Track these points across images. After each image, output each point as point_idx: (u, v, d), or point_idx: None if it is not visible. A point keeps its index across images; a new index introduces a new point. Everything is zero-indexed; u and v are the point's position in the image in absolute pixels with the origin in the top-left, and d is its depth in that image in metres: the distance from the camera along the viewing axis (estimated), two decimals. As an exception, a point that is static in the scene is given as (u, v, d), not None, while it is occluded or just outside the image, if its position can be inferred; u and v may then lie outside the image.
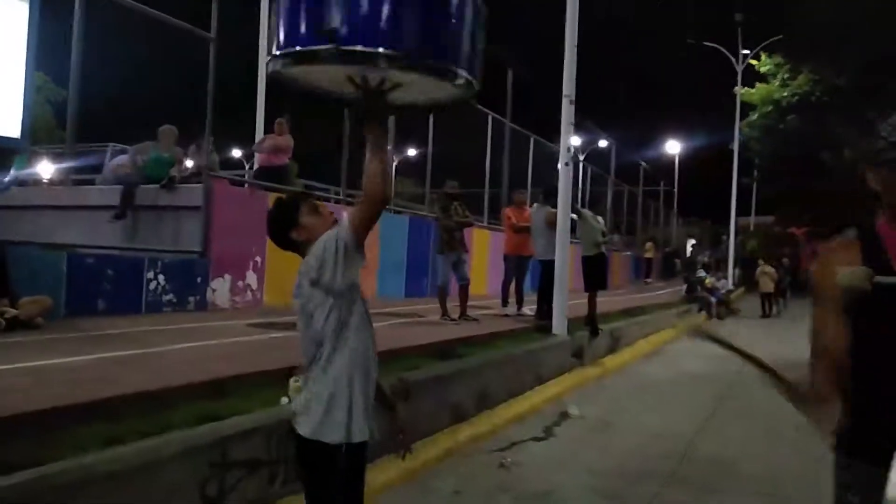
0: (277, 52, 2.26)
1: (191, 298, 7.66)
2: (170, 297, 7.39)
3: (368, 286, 10.68)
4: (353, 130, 9.93)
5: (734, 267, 26.04)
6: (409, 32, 2.05)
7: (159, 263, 7.33)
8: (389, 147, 2.32)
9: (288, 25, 2.25)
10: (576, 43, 8.36)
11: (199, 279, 7.79)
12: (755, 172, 29.79)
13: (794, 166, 25.66)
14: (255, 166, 9.60)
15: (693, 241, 39.15)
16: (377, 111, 2.17)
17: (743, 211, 33.04)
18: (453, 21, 2.11)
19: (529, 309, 9.00)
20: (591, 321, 8.68)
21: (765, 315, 18.62)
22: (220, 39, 7.77)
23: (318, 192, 10.48)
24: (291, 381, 2.35)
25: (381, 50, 2.03)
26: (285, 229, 2.30)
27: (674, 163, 36.49)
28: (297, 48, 2.15)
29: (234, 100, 9.94)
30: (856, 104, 23.95)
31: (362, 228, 2.15)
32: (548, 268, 8.36)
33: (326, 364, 2.21)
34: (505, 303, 9.46)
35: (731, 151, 25.64)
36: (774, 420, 6.43)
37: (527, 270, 9.55)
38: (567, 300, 8.25)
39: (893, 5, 21.49)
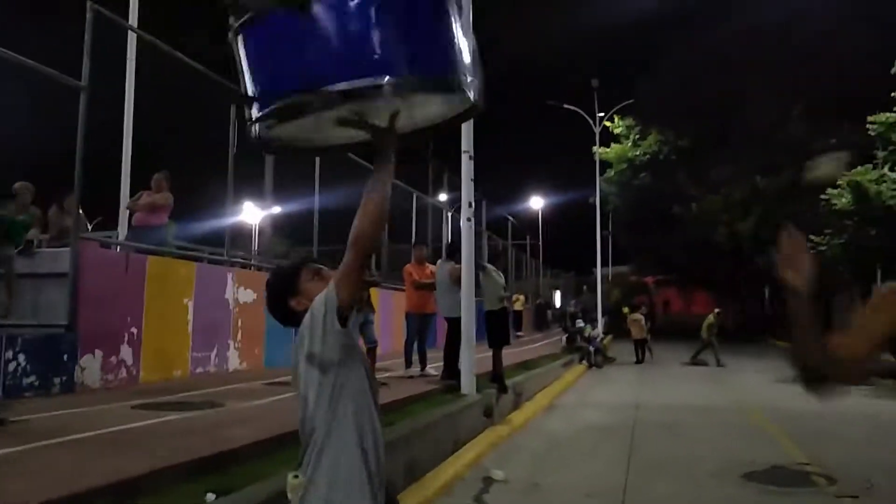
0: (257, 114, 1.92)
1: (56, 380, 6.64)
2: (32, 379, 6.35)
3: (254, 356, 9.91)
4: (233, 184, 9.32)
5: (602, 315, 27.26)
6: (401, 52, 1.80)
7: (18, 340, 6.30)
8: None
9: (263, 78, 1.92)
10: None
11: (65, 357, 6.79)
12: (610, 225, 31.82)
13: (649, 219, 27.74)
14: (130, 226, 8.69)
15: (559, 293, 40.82)
16: (388, 147, 1.93)
17: (602, 262, 34.96)
18: (440, 28, 1.90)
19: (434, 368, 8.70)
20: (498, 378, 8.52)
21: (638, 361, 19.48)
22: (93, 88, 7.04)
23: (198, 255, 9.67)
24: (290, 476, 1.95)
25: (386, 79, 1.75)
26: (284, 298, 2.00)
27: (538, 217, 38.18)
28: (279, 104, 1.83)
29: (110, 153, 9.05)
30: (699, 163, 26.39)
31: (348, 280, 1.86)
32: (454, 325, 8.14)
33: (321, 450, 1.87)
34: (409, 363, 9.09)
35: (592, 205, 27.21)
36: (689, 469, 6.57)
37: (429, 329, 9.29)
38: (475, 358, 8.07)
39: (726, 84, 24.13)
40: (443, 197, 21.72)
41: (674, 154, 27.62)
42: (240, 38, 1.93)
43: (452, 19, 1.93)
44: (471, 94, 1.93)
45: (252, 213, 14.96)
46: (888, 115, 15.96)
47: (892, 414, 10.15)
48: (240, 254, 11.12)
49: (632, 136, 28.41)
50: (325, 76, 1.75)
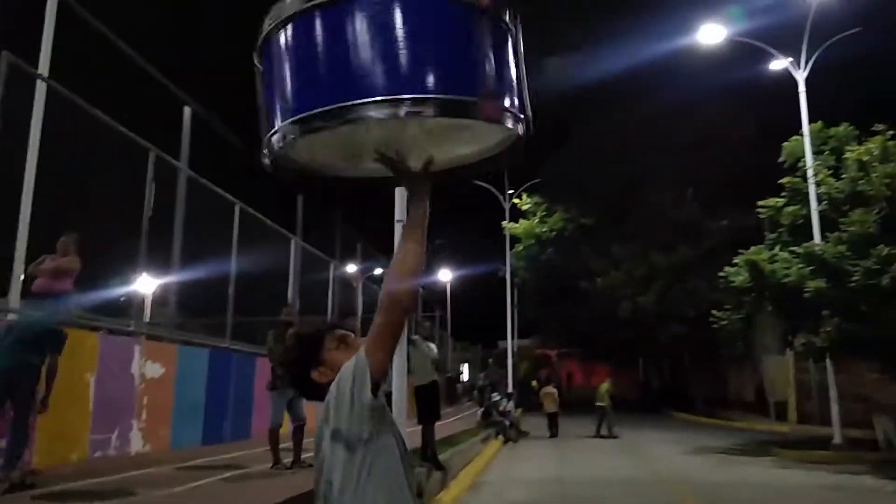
0: (281, 123, 1.72)
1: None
2: None
3: (159, 437, 9.07)
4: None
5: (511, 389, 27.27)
6: (444, 69, 1.65)
7: None
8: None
9: (294, 86, 1.73)
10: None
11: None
12: (516, 299, 32.39)
13: (555, 292, 28.51)
14: (29, 293, 7.87)
15: (467, 366, 40.73)
16: (420, 193, 1.77)
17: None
18: (486, 49, 1.73)
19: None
20: (432, 455, 8.16)
21: (553, 435, 19.45)
22: None
23: (102, 325, 8.88)
24: None
25: (430, 95, 1.61)
26: (306, 369, 1.78)
27: (447, 289, 38.34)
28: (309, 112, 1.64)
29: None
30: (601, 239, 27.60)
31: (382, 344, 1.66)
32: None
33: None
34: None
35: (501, 279, 27.65)
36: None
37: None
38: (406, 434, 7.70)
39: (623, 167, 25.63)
40: (351, 268, 21.44)
41: (578, 231, 28.80)
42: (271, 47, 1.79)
43: (509, 49, 1.82)
44: (513, 125, 1.79)
45: (157, 281, 14.10)
46: (776, 199, 17.24)
47: (797, 480, 10.52)
48: (148, 324, 10.34)
49: (539, 213, 29.47)
50: (373, 87, 1.60)
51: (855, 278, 12.97)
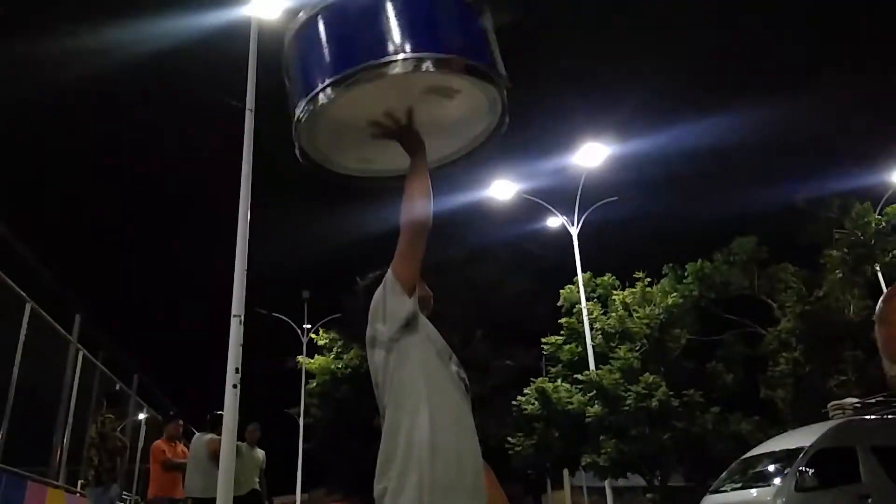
0: (328, 81, 2.08)
1: None
2: None
3: None
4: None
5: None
6: (455, 37, 2.12)
7: None
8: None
9: (336, 50, 2.12)
10: (245, 267, 8.38)
11: None
12: (301, 442, 31.12)
13: (347, 431, 27.95)
14: None
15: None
16: (415, 145, 2.16)
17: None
18: (482, 25, 2.22)
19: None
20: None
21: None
22: None
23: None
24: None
25: (454, 55, 2.07)
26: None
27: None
28: (349, 70, 2.04)
29: None
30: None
31: (403, 260, 1.99)
32: (206, 509, 7.18)
33: (395, 430, 1.85)
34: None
35: (293, 419, 26.59)
36: None
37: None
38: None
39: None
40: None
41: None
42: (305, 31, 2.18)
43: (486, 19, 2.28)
44: (498, 80, 2.18)
45: None
46: (556, 338, 19.31)
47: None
48: None
49: (335, 349, 29.44)
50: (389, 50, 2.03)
51: (628, 402, 14.79)
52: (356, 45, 2.08)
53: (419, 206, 2.01)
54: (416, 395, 1.86)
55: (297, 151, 2.31)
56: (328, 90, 2.06)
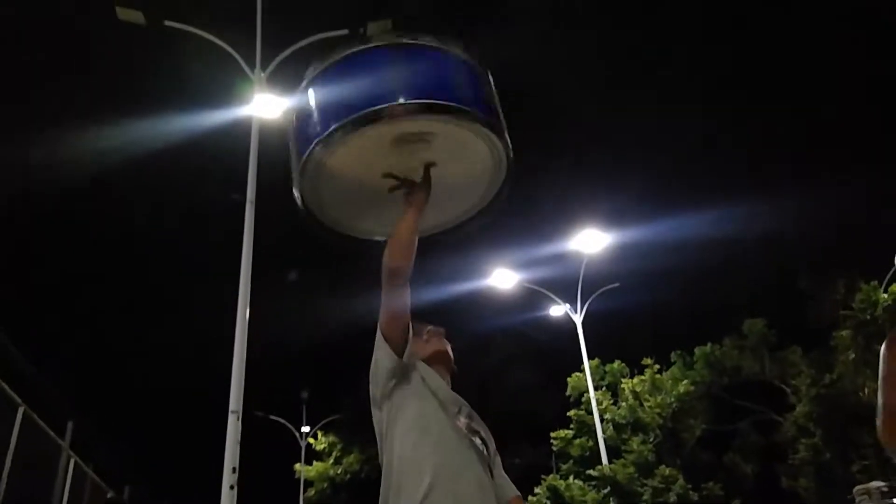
0: (322, 134, 2.03)
1: None
2: None
3: None
4: None
5: None
6: (463, 90, 2.12)
7: None
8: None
9: (328, 105, 2.11)
10: (244, 357, 8.11)
11: None
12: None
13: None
14: None
15: None
16: (420, 197, 2.13)
17: None
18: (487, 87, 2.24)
19: None
20: None
21: None
22: None
23: None
24: None
25: (453, 103, 2.05)
26: None
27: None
28: (346, 119, 2.02)
29: None
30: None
31: (384, 312, 1.99)
32: None
33: (394, 480, 1.88)
34: None
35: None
36: None
37: None
38: None
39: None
40: None
41: (375, 472, 27.77)
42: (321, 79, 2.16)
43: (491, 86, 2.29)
44: (500, 138, 2.17)
45: None
46: (566, 431, 18.66)
47: None
48: None
49: (334, 454, 28.34)
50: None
51: (645, 498, 14.06)
52: (362, 92, 2.06)
53: (394, 252, 1.99)
54: (409, 450, 1.86)
55: (301, 210, 2.26)
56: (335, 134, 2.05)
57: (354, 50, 2.10)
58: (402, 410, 1.94)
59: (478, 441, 1.95)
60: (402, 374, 1.98)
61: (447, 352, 2.16)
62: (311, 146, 2.05)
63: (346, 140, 2.01)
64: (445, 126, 2.07)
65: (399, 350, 1.97)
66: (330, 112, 2.06)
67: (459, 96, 2.08)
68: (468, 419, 1.98)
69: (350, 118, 1.98)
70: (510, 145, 2.21)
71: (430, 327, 2.21)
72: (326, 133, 2.02)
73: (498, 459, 2.07)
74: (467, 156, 2.19)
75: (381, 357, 1.98)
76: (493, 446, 2.03)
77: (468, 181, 2.29)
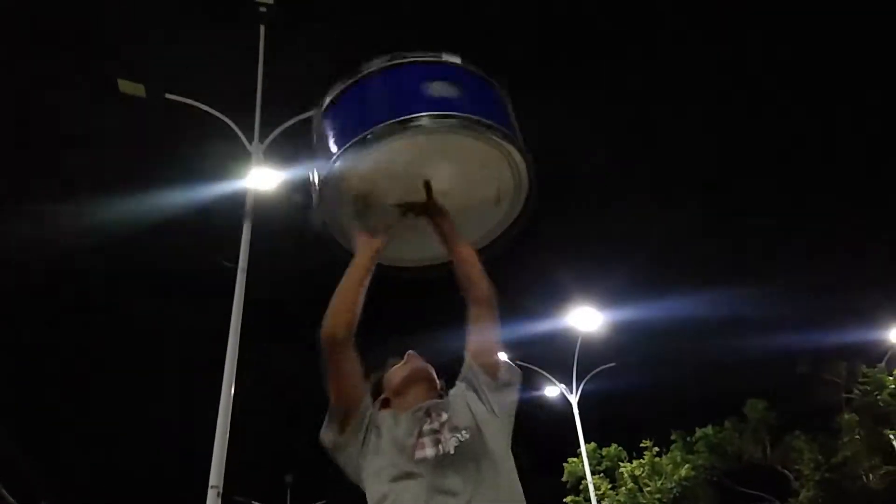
0: (344, 145, 1.93)
1: None
2: None
3: None
4: None
5: None
6: (485, 105, 2.08)
7: None
8: None
9: (359, 115, 2.06)
10: (227, 430, 7.75)
11: None
12: None
13: None
14: None
15: None
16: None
17: None
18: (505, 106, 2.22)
19: None
20: None
21: None
22: None
23: None
24: None
25: (475, 116, 2.02)
26: None
27: None
28: (370, 130, 1.97)
29: None
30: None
31: (328, 382, 1.94)
32: None
33: None
34: None
35: None
36: None
37: None
38: None
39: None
40: None
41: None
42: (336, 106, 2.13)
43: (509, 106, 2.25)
44: (522, 155, 2.13)
45: None
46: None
47: None
48: None
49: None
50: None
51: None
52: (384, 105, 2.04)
53: (329, 313, 1.93)
54: None
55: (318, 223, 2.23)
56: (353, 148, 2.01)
57: (385, 65, 2.07)
58: (361, 483, 1.89)
59: (436, 451, 1.81)
60: (337, 447, 1.92)
61: (414, 370, 2.06)
62: (341, 150, 1.99)
63: (372, 149, 1.96)
64: (471, 143, 2.03)
65: (333, 419, 1.93)
66: (357, 122, 2.02)
67: (488, 111, 2.06)
68: (430, 429, 1.85)
69: (380, 125, 1.94)
70: (532, 162, 2.16)
71: (391, 360, 2.13)
72: (358, 138, 1.97)
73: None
74: (483, 179, 2.16)
75: (322, 436, 1.93)
76: (453, 422, 1.88)
77: (481, 210, 2.25)
